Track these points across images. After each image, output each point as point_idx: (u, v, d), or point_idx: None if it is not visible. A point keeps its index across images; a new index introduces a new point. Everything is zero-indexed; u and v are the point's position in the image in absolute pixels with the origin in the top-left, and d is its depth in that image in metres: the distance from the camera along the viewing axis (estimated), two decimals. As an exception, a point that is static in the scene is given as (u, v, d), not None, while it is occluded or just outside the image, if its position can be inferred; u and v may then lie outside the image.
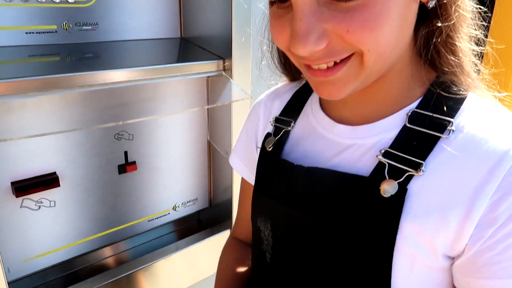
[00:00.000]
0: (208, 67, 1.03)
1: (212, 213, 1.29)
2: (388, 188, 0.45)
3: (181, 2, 1.14)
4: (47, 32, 0.95)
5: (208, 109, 1.16)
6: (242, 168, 0.71)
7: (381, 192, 0.45)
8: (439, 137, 0.45)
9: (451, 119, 0.46)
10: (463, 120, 0.46)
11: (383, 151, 0.47)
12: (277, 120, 0.62)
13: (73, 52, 0.97)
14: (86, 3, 0.98)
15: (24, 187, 0.86)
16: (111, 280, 0.96)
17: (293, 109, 0.61)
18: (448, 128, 0.45)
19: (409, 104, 0.49)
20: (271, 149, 0.59)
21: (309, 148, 0.56)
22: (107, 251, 1.10)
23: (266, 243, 0.58)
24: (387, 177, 0.45)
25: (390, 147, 0.47)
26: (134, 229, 1.11)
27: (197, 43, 1.13)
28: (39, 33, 0.94)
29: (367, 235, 0.46)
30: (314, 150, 0.55)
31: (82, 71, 0.83)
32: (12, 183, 0.86)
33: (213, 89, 1.13)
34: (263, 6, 0.60)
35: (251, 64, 1.09)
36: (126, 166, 1.03)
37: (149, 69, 0.94)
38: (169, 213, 1.18)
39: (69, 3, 0.96)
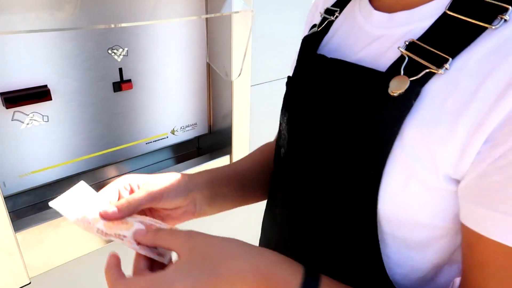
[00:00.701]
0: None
1: (212, 140, 1.27)
2: (397, 85, 0.39)
3: None
4: None
5: (207, 28, 1.10)
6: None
7: (389, 89, 0.40)
8: (484, 28, 0.36)
9: (509, 6, 0.35)
10: None
11: (407, 42, 0.41)
12: (326, 10, 0.57)
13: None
14: None
15: (14, 98, 0.82)
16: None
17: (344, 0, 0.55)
18: (500, 16, 0.35)
19: None
20: (308, 39, 0.56)
21: (342, 40, 0.51)
22: (105, 172, 1.09)
23: (283, 137, 0.57)
24: (402, 73, 0.40)
25: (420, 38, 0.40)
26: (132, 150, 1.09)
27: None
28: None
29: (365, 138, 0.42)
30: (347, 42, 0.50)
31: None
32: (2, 94, 0.82)
33: (211, 2, 1.05)
34: None
35: (253, -24, 1.01)
36: (121, 83, 0.98)
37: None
38: (167, 137, 1.15)
39: None
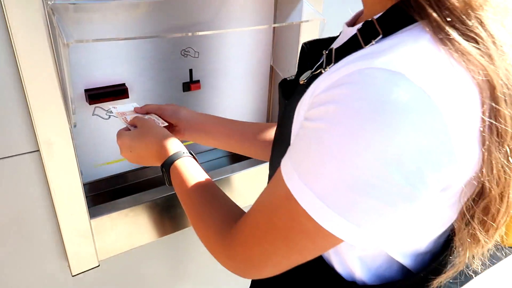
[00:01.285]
0: (279, -17, 0.97)
1: (269, 140, 1.29)
2: (304, 77, 0.55)
3: None
4: None
5: (274, 31, 1.11)
6: None
7: (299, 79, 0.56)
8: (361, 47, 0.46)
9: (379, 37, 0.44)
10: (387, 41, 0.43)
11: (330, 48, 0.52)
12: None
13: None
14: None
15: (96, 95, 0.89)
16: (170, 193, 1.01)
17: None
18: (372, 40, 0.45)
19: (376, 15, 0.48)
20: None
21: None
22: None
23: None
24: (311, 69, 0.54)
25: (338, 47, 0.51)
26: (195, 147, 1.14)
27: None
28: None
29: (286, 111, 0.56)
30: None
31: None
32: (86, 90, 0.89)
33: (281, 8, 1.07)
34: None
35: (325, -17, 1.01)
36: (191, 84, 1.03)
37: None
38: (227, 136, 1.18)
39: None
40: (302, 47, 0.65)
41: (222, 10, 0.98)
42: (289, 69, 1.10)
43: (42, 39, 0.70)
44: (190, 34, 0.91)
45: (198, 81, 1.04)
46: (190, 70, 1.02)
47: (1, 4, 0.66)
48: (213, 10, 0.97)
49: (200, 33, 0.85)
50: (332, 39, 0.61)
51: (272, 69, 1.17)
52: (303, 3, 0.99)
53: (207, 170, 1.19)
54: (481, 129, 0.41)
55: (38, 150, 0.80)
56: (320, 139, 0.41)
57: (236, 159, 1.25)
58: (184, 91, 1.03)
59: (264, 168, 1.18)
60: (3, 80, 0.72)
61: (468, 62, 0.39)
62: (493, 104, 0.40)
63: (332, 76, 0.43)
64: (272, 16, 1.08)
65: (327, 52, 0.52)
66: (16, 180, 0.82)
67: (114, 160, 1.00)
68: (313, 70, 0.54)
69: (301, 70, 0.61)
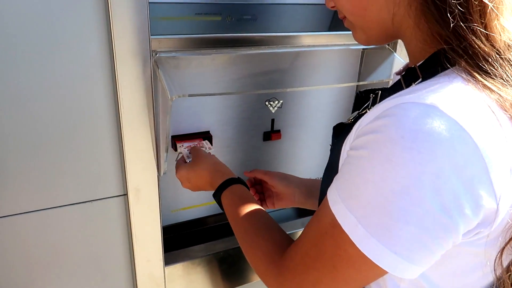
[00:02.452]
0: (369, 37, 0.95)
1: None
2: (351, 116, 0.60)
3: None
4: (214, -10, 0.95)
5: (357, 86, 1.08)
6: None
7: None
8: (403, 89, 0.49)
9: (418, 80, 0.49)
10: (424, 83, 0.46)
11: (376, 92, 0.58)
12: None
13: (234, 13, 0.96)
14: (254, -38, 0.95)
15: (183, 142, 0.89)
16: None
17: None
18: (412, 83, 0.49)
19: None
20: None
21: None
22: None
23: None
24: (359, 109, 0.60)
25: (386, 88, 0.57)
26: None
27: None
28: (207, -9, 0.94)
29: (335, 148, 0.59)
30: None
31: (242, 32, 0.82)
32: (173, 137, 0.90)
33: (369, 62, 1.04)
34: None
35: (418, 38, 0.97)
36: (272, 133, 1.01)
37: (307, 36, 0.89)
38: (301, 186, 1.15)
39: (239, -39, 0.93)
40: (357, 94, 0.69)
41: (306, 64, 0.97)
42: (372, 123, 1.06)
43: (145, 91, 0.72)
44: (277, 91, 0.91)
45: (279, 131, 1.03)
46: (272, 120, 1.01)
47: (113, 53, 0.69)
48: (301, 66, 0.96)
49: (289, 89, 0.84)
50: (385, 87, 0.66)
51: (352, 121, 1.13)
52: (394, 57, 0.96)
53: (279, 221, 1.16)
54: None
55: (126, 194, 0.81)
56: (362, 165, 0.44)
57: (304, 212, 1.20)
58: (264, 140, 1.02)
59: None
60: (104, 128, 0.75)
61: (499, 99, 0.42)
62: None
63: (374, 111, 0.46)
64: (358, 69, 1.05)
65: (373, 95, 0.58)
66: (102, 221, 0.83)
67: (189, 206, 1.00)
68: (360, 110, 0.59)
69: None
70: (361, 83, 1.03)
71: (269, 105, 0.99)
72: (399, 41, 0.95)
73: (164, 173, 0.80)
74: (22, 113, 0.69)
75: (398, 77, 0.56)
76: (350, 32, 0.91)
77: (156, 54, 0.72)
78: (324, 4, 1.10)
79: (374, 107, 0.51)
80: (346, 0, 0.57)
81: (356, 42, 0.93)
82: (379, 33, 0.58)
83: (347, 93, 1.08)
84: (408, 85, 0.50)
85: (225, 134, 0.96)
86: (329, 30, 1.01)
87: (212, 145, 0.93)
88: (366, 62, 1.05)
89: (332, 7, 0.60)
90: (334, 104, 1.08)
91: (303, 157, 1.10)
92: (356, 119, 0.56)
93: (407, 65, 0.61)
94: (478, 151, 0.40)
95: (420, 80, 0.49)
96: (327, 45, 0.90)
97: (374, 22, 0.56)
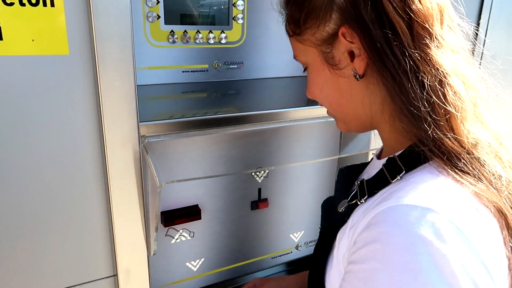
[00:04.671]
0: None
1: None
2: (341, 206, 0.61)
3: (320, 40, 1.14)
4: (200, 71, 1.01)
5: (340, 149, 1.13)
6: None
7: (337, 207, 0.61)
8: (389, 182, 0.53)
9: (402, 173, 0.52)
10: (410, 177, 0.51)
11: (361, 179, 0.59)
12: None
13: (219, 89, 1.02)
14: (236, 43, 1.03)
15: (171, 218, 0.91)
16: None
17: None
18: (397, 176, 0.52)
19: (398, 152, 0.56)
20: None
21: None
22: (231, 284, 1.12)
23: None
24: (348, 198, 0.59)
25: (368, 179, 0.58)
26: (258, 264, 1.11)
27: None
28: (193, 71, 1.01)
29: (325, 236, 0.62)
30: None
31: (226, 110, 0.87)
32: (162, 213, 0.92)
33: (345, 140, 1.10)
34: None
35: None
36: (259, 202, 1.04)
37: (284, 112, 0.95)
38: (291, 252, 1.16)
39: (222, 44, 1.01)
40: (340, 171, 0.73)
41: (293, 139, 1.02)
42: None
43: (134, 175, 0.75)
44: (266, 169, 0.95)
45: (266, 200, 1.05)
46: (259, 189, 1.04)
47: (103, 141, 0.72)
48: (285, 140, 1.01)
49: (273, 167, 0.88)
50: (365, 165, 0.69)
51: (337, 184, 1.17)
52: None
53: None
54: (507, 254, 0.47)
55: (116, 275, 0.81)
56: (374, 278, 0.44)
57: (296, 270, 1.20)
58: (252, 209, 1.04)
59: None
60: (94, 211, 0.76)
61: (480, 197, 0.47)
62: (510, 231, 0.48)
63: (369, 214, 0.48)
64: (338, 143, 1.11)
65: (359, 183, 0.59)
66: (90, 305, 0.82)
67: (179, 280, 0.99)
68: (348, 199, 0.60)
69: (339, 194, 0.67)
70: (342, 156, 1.08)
71: (255, 176, 1.02)
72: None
73: (154, 254, 0.80)
74: (9, 194, 0.70)
75: (379, 162, 0.60)
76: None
77: (145, 139, 0.76)
78: (306, 76, 1.17)
79: (365, 201, 0.55)
80: (323, 98, 0.63)
81: (335, 114, 0.99)
82: (357, 126, 0.64)
83: (330, 161, 1.12)
84: (392, 177, 0.53)
85: (213, 206, 0.98)
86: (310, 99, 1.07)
87: (201, 218, 0.95)
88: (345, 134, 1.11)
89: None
90: (318, 171, 1.11)
91: (289, 223, 1.12)
92: (348, 209, 0.59)
93: (382, 149, 0.65)
94: (472, 246, 0.43)
95: (403, 172, 0.52)
96: (307, 119, 0.95)
97: (352, 117, 0.62)
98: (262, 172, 1.03)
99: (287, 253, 1.15)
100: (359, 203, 0.56)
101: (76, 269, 0.79)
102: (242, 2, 1.00)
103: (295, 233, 1.14)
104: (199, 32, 0.97)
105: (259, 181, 1.03)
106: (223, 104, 0.95)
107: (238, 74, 1.06)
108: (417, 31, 0.50)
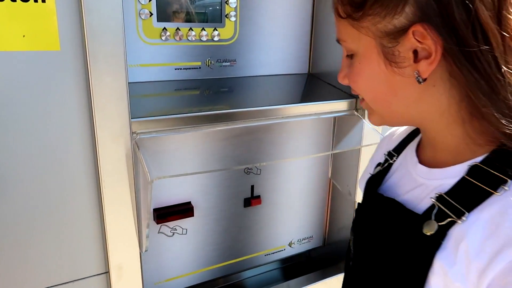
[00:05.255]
0: (339, 106, 1.02)
1: (325, 252, 1.25)
2: (428, 228, 0.52)
3: (313, 38, 1.14)
4: (193, 68, 1.01)
5: (332, 144, 1.14)
6: (362, 189, 0.77)
7: (423, 229, 0.52)
8: (491, 193, 0.48)
9: (508, 179, 0.47)
10: None
11: (437, 194, 0.53)
12: (388, 153, 0.69)
13: (212, 87, 1.02)
14: (228, 41, 1.03)
15: (164, 215, 0.91)
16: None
17: (401, 146, 0.68)
18: (502, 186, 0.47)
19: (473, 158, 0.51)
20: (373, 176, 0.68)
21: (397, 180, 0.64)
22: (225, 281, 1.12)
23: (352, 252, 0.69)
24: (432, 218, 0.52)
25: (446, 192, 0.52)
26: (252, 261, 1.11)
27: (325, 79, 1.12)
28: (186, 69, 1.01)
29: (408, 266, 0.54)
30: (399, 183, 0.63)
31: (219, 107, 0.87)
32: (155, 210, 0.92)
33: (341, 127, 1.10)
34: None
35: (384, 105, 1.04)
36: (252, 199, 1.04)
37: (281, 108, 0.95)
38: (284, 249, 1.16)
39: (214, 41, 1.01)
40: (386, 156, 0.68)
41: (281, 134, 1.02)
42: (349, 184, 1.10)
43: (126, 171, 0.75)
44: (257, 165, 0.95)
45: (258, 197, 1.06)
46: (252, 186, 1.04)
47: (95, 137, 0.72)
48: (278, 136, 1.01)
49: (265, 163, 0.88)
50: (385, 172, 0.65)
51: (330, 181, 1.18)
52: (363, 123, 1.02)
53: (260, 285, 1.16)
54: None
55: (108, 272, 0.81)
56: None
57: (290, 274, 1.21)
58: (245, 206, 1.05)
59: (322, 285, 1.13)
60: (85, 207, 0.76)
61: None
62: None
63: (496, 237, 0.45)
64: (331, 137, 1.11)
65: (435, 199, 0.52)
66: (82, 302, 0.82)
67: (172, 277, 0.99)
68: (433, 218, 0.52)
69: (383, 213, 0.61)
70: (334, 151, 1.08)
71: (248, 173, 1.03)
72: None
73: (146, 250, 0.80)
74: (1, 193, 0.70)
75: (444, 172, 0.54)
76: (321, 102, 0.99)
77: (136, 135, 0.76)
78: (299, 74, 1.18)
79: (467, 221, 0.48)
80: (368, 90, 0.56)
81: (327, 111, 1.00)
82: (399, 122, 0.59)
83: (323, 158, 1.13)
84: (492, 186, 0.48)
85: (206, 203, 0.99)
86: (303, 96, 1.08)
87: (194, 215, 0.95)
88: (338, 128, 1.11)
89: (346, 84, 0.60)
90: (311, 168, 1.12)
91: (282, 220, 1.12)
92: (439, 231, 0.51)
93: (430, 156, 0.59)
94: None
95: (510, 182, 0.47)
96: (300, 116, 0.96)
97: (397, 114, 0.56)
98: (255, 169, 1.03)
99: (280, 251, 1.15)
100: (459, 221, 0.49)
101: (68, 266, 0.79)
102: (235, 0, 1.00)
103: (288, 230, 1.15)
104: (192, 30, 0.97)
105: (252, 178, 1.04)
106: (216, 102, 0.95)
107: (231, 72, 1.06)
108: (508, 44, 0.46)
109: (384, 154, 0.70)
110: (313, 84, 1.12)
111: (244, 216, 1.06)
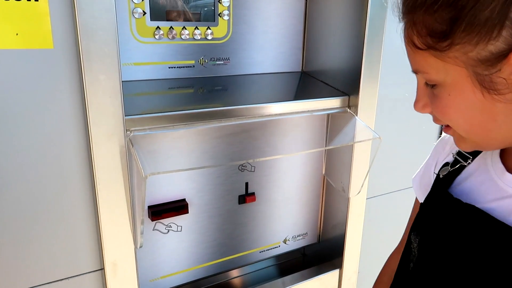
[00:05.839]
0: (332, 103, 1.03)
1: (319, 249, 1.26)
2: None
3: (306, 36, 1.15)
4: (186, 67, 1.02)
5: (326, 140, 1.15)
6: (417, 188, 0.75)
7: None
8: None
9: None
10: None
11: None
12: (458, 153, 0.65)
13: (206, 85, 1.03)
14: (222, 39, 1.04)
15: (159, 212, 0.92)
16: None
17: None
18: None
19: None
20: (443, 176, 0.65)
21: (475, 186, 0.60)
22: (220, 278, 1.13)
23: (413, 254, 0.66)
24: None
25: None
26: (247, 258, 1.12)
27: (318, 77, 1.13)
28: (179, 67, 1.01)
29: (498, 275, 0.51)
30: (479, 189, 0.59)
31: (213, 105, 0.88)
32: (149, 207, 0.92)
33: (334, 124, 1.11)
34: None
35: (377, 101, 1.06)
36: (246, 196, 1.05)
37: (274, 106, 0.96)
38: (279, 246, 1.17)
39: (208, 40, 1.02)
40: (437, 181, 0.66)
41: (275, 131, 1.03)
42: (343, 181, 1.11)
43: (120, 168, 0.75)
44: (251, 160, 0.96)
45: (253, 194, 1.06)
46: (246, 184, 1.05)
47: (89, 135, 0.73)
48: (271, 133, 1.02)
49: (259, 159, 0.89)
50: (458, 172, 0.63)
51: (324, 179, 1.19)
52: (356, 120, 1.03)
53: (255, 282, 1.17)
54: None
55: (103, 269, 0.82)
56: None
57: (285, 271, 1.22)
58: (239, 203, 1.06)
59: (317, 281, 1.14)
60: (80, 204, 0.77)
61: None
62: None
63: None
64: (325, 134, 1.12)
65: None
66: (77, 299, 0.83)
67: (167, 274, 1.00)
68: None
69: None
70: (328, 147, 1.09)
71: (242, 170, 1.03)
72: (360, 104, 1.04)
73: (140, 246, 0.81)
74: None
75: None
76: (314, 100, 1.00)
77: (130, 132, 0.77)
78: (292, 72, 1.18)
79: None
80: (463, 121, 0.52)
81: (320, 108, 1.01)
82: (497, 146, 0.56)
83: (316, 152, 1.14)
84: None
85: (201, 200, 0.99)
86: (296, 93, 1.09)
87: (188, 212, 0.96)
88: (332, 125, 1.12)
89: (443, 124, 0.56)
90: (305, 165, 1.13)
91: (277, 217, 1.13)
92: None
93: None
94: None
95: None
96: (292, 113, 0.97)
97: (497, 141, 0.53)
98: (249, 166, 1.04)
99: (275, 247, 1.16)
100: None
101: (63, 264, 0.79)
102: (228, -1, 1.01)
103: (282, 227, 1.15)
104: (185, 28, 0.98)
105: (246, 175, 1.04)
106: (210, 100, 0.96)
107: (225, 70, 1.07)
108: None
109: (453, 153, 0.66)
110: (306, 82, 1.13)
111: (238, 213, 1.06)
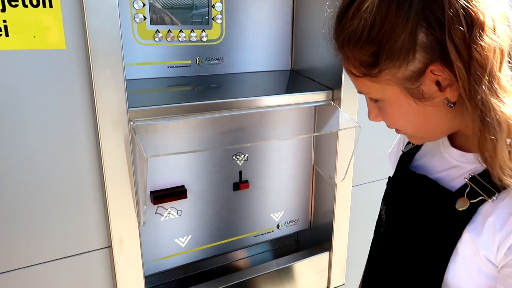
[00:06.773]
0: (317, 97, 1.12)
1: (311, 234, 1.35)
2: (461, 204, 0.61)
3: (294, 37, 1.25)
4: (184, 66, 1.12)
5: (313, 137, 1.24)
6: (392, 162, 0.86)
7: (456, 205, 0.61)
8: None
9: None
10: None
11: (471, 175, 0.61)
12: None
13: (202, 83, 1.13)
14: (216, 41, 1.14)
15: (160, 196, 1.01)
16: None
17: None
18: None
19: None
20: (405, 152, 0.78)
21: (428, 160, 0.73)
22: (218, 260, 1.22)
23: (383, 220, 0.79)
24: (464, 196, 0.61)
25: (479, 174, 0.61)
26: (242, 242, 1.21)
27: (306, 74, 1.23)
28: (177, 67, 1.12)
29: (438, 235, 0.63)
30: (431, 163, 0.72)
31: (209, 99, 0.97)
32: (151, 192, 1.02)
33: (320, 117, 1.21)
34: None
35: (358, 95, 1.15)
36: (240, 184, 1.14)
37: (264, 99, 1.05)
38: (272, 231, 1.26)
39: (203, 41, 1.12)
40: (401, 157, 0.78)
41: (268, 122, 1.13)
42: (329, 169, 1.20)
43: (125, 154, 0.85)
44: (243, 145, 1.05)
45: (247, 181, 1.16)
46: (240, 172, 1.15)
47: (97, 124, 0.83)
48: (262, 125, 1.12)
49: (250, 144, 0.99)
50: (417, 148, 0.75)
51: (313, 168, 1.28)
52: (339, 112, 1.13)
53: (250, 265, 1.26)
54: None
55: (110, 246, 0.91)
56: None
57: (280, 253, 1.30)
58: (234, 190, 1.15)
59: (308, 262, 1.22)
60: (90, 187, 0.87)
61: None
62: None
63: None
64: (313, 125, 1.22)
65: (469, 179, 0.61)
66: (88, 274, 0.92)
67: (169, 255, 1.09)
68: (466, 196, 0.61)
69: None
70: (315, 134, 1.18)
71: (236, 159, 1.13)
72: (343, 97, 1.13)
73: (143, 224, 0.91)
74: (8, 171, 0.80)
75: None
76: (301, 93, 1.09)
77: (133, 122, 0.87)
78: (282, 70, 1.28)
79: (496, 200, 0.57)
80: (408, 127, 0.64)
81: (307, 101, 1.10)
82: (440, 137, 0.66)
83: (305, 143, 1.23)
84: None
85: (198, 187, 1.09)
86: (285, 89, 1.19)
87: (187, 197, 1.05)
88: (319, 116, 1.22)
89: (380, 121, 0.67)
90: (295, 154, 1.22)
91: (270, 203, 1.22)
92: (470, 208, 0.60)
93: (453, 137, 0.67)
94: None
95: None
96: (282, 105, 1.06)
97: (437, 133, 0.64)
98: (242, 156, 1.13)
99: (268, 232, 1.25)
100: (490, 200, 0.58)
101: (74, 240, 0.89)
102: (220, 4, 1.11)
103: (275, 213, 1.24)
104: (182, 31, 1.08)
105: (240, 164, 1.14)
106: (206, 95, 1.06)
107: (219, 69, 1.17)
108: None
109: None
110: (295, 79, 1.23)
111: (234, 199, 1.16)
